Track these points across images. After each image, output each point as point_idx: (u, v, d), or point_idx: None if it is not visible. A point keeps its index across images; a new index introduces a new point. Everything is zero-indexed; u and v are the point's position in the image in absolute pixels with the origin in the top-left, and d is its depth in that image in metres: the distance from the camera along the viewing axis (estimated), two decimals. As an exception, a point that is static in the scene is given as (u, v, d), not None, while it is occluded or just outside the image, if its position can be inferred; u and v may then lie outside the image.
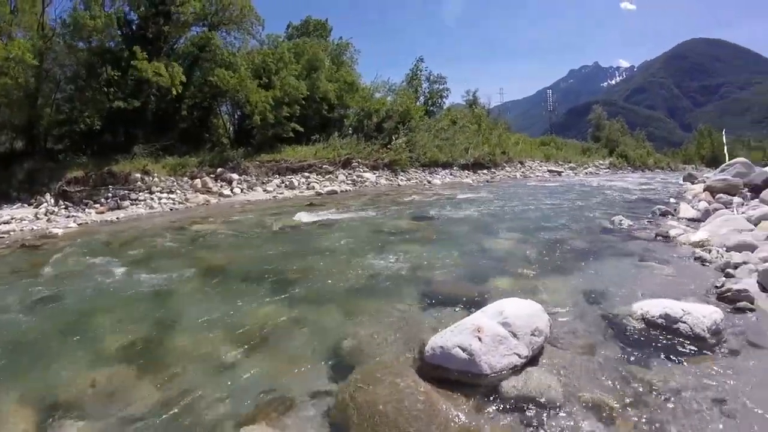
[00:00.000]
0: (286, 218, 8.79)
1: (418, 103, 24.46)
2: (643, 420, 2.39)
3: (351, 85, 20.87)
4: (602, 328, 3.46)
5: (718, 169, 12.95)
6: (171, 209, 10.94)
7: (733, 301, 3.88)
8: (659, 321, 3.39)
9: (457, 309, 3.80)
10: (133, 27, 14.67)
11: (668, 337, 3.26)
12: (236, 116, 19.26)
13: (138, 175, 12.14)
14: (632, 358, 2.99)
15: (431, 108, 26.71)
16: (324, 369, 2.99)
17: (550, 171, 24.29)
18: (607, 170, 28.68)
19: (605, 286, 4.28)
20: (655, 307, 3.51)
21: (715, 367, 2.87)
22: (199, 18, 15.54)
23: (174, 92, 13.68)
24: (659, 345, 3.17)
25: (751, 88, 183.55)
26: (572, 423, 2.36)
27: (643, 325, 3.43)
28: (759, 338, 3.31)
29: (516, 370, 2.71)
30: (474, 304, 3.79)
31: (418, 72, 26.72)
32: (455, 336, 2.85)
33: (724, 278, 4.46)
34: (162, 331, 3.65)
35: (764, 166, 13.49)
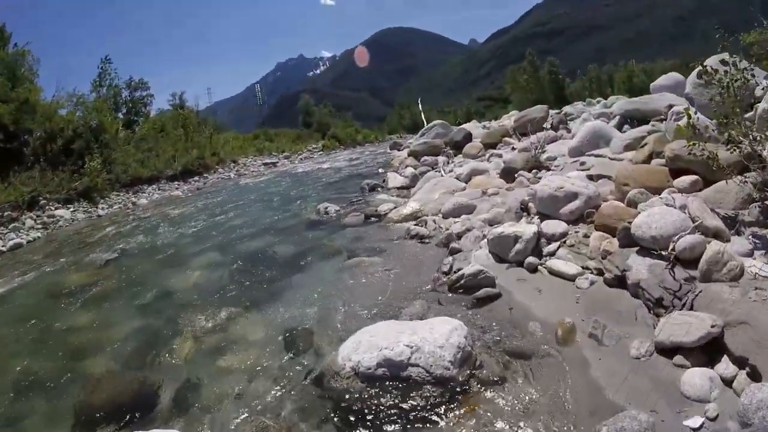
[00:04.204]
0: None
1: (120, 114, 20.97)
2: None
3: (27, 103, 15.72)
4: (309, 401, 2.33)
5: (419, 134, 13.15)
6: None
7: (470, 289, 3.13)
8: (379, 373, 2.30)
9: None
10: None
11: (400, 391, 2.20)
12: None
13: None
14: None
15: (134, 118, 23.08)
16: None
17: (264, 164, 23.74)
18: (321, 152, 29.89)
19: (312, 318, 3.33)
20: (367, 353, 2.39)
21: (480, 411, 2.02)
22: None
23: None
24: (392, 407, 2.13)
25: (440, 67, 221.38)
26: None
27: (361, 384, 2.29)
28: (517, 338, 2.51)
29: None
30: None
31: (107, 75, 22.13)
32: None
33: (450, 258, 3.83)
34: None
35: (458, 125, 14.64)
